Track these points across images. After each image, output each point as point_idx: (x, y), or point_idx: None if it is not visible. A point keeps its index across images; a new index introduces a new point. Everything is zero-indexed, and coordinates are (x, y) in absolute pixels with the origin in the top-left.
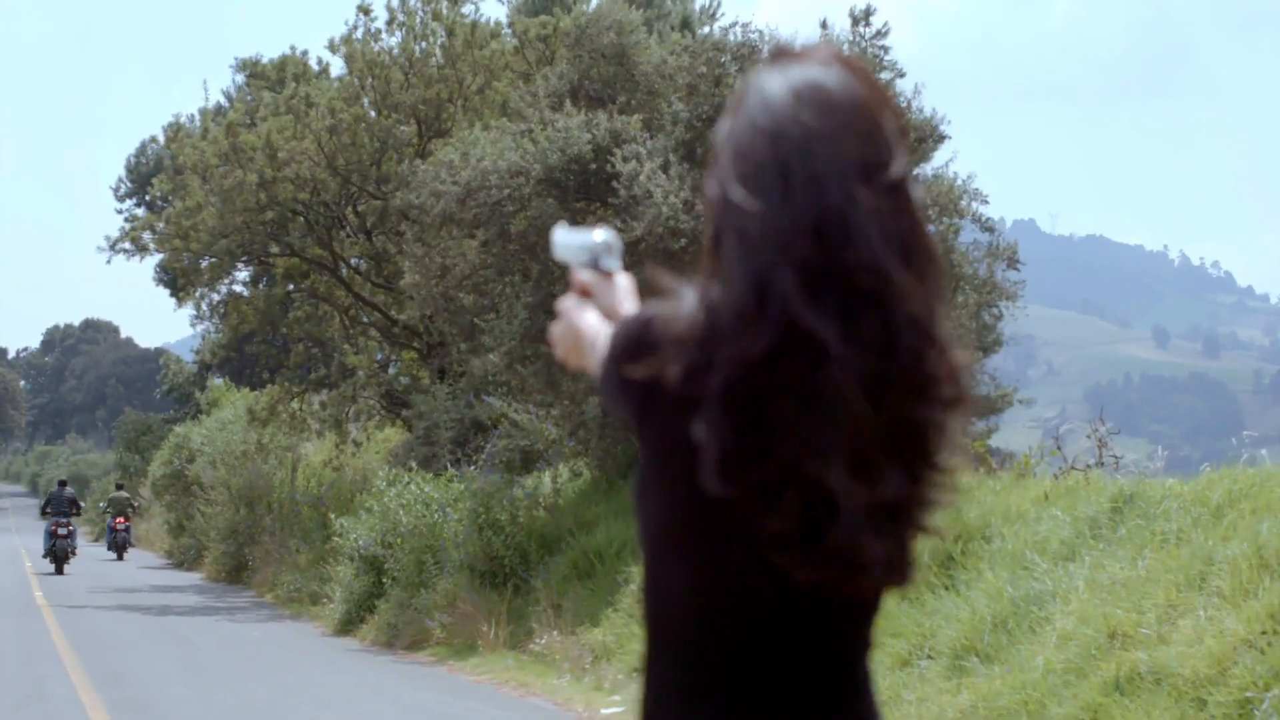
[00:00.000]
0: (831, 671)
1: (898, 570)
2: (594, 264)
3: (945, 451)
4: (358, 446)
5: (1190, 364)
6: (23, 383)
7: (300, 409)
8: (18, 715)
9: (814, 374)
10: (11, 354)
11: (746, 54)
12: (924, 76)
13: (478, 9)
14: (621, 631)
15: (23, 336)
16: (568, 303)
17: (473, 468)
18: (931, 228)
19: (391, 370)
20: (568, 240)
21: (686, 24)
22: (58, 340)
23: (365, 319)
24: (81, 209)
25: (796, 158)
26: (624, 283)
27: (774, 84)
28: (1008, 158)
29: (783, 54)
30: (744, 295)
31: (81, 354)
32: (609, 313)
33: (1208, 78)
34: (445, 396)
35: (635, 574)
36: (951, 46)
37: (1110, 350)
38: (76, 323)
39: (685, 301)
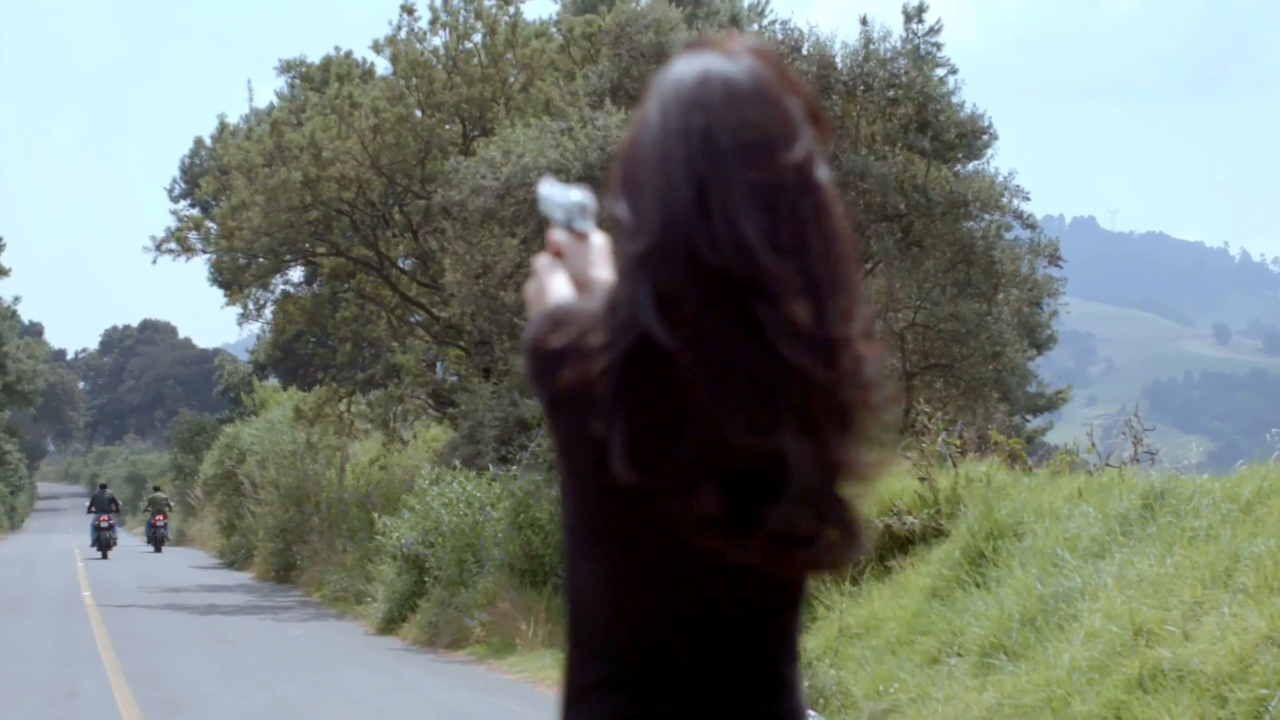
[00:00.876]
0: (754, 669)
1: (832, 548)
2: (569, 224)
3: (852, 442)
4: (405, 445)
5: (1251, 360)
6: (81, 384)
7: (348, 409)
8: (47, 712)
9: (718, 359)
10: (70, 355)
11: (786, 51)
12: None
13: (517, 10)
14: None
15: (82, 338)
16: (541, 262)
17: (513, 467)
18: (973, 223)
19: (439, 369)
20: (549, 195)
21: (735, 21)
22: (116, 341)
23: (412, 318)
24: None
25: (678, 142)
26: (598, 245)
27: (672, 73)
28: (1067, 154)
29: (691, 46)
30: (618, 292)
31: (139, 355)
32: (579, 275)
33: (1267, 72)
34: (489, 395)
35: None
36: (1010, 42)
37: (1170, 347)
38: (135, 324)
39: (596, 297)
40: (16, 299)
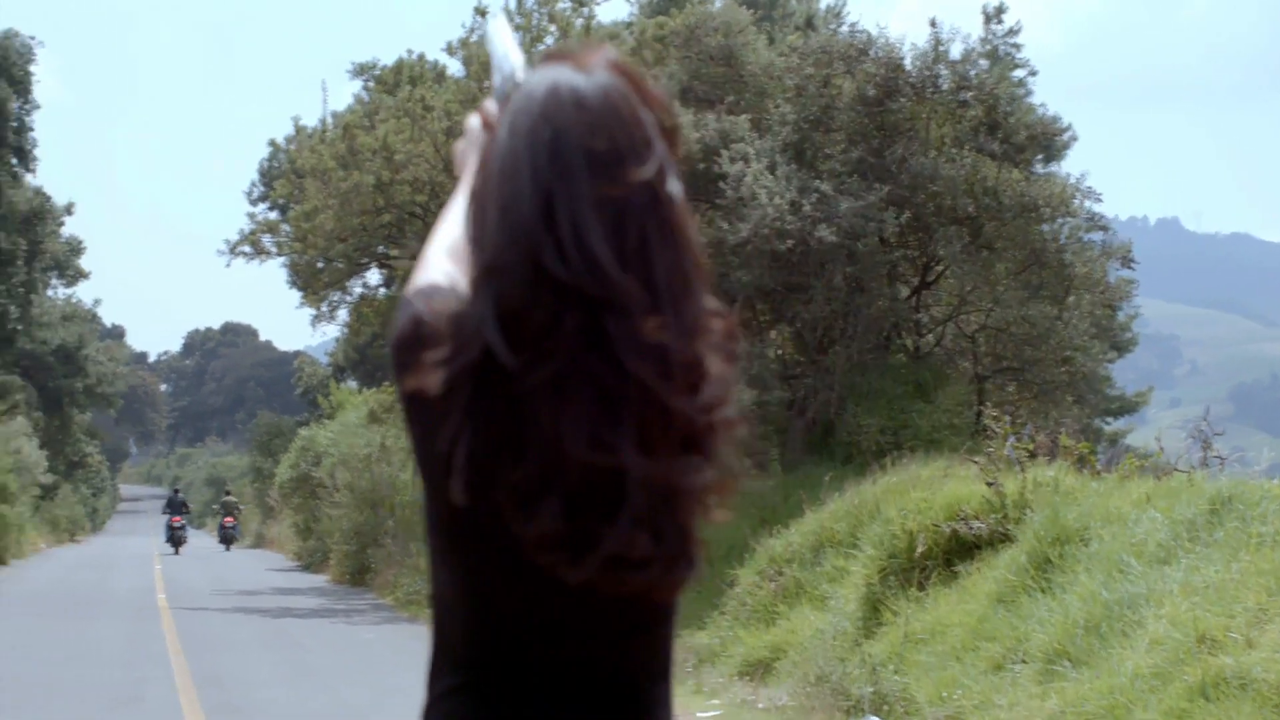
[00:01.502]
0: (612, 686)
1: (673, 566)
2: (503, 96)
3: (696, 463)
4: None
5: None
6: (163, 386)
7: None
8: (109, 717)
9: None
10: (153, 358)
11: (855, 55)
12: (1063, 74)
13: (591, 12)
14: (726, 635)
15: (164, 340)
16: (472, 122)
17: None
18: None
19: None
20: (494, 38)
21: (810, 23)
22: (198, 343)
23: None
24: (221, 212)
25: (525, 154)
26: None
27: (524, 85)
28: (1151, 155)
29: (548, 56)
30: (467, 304)
31: (221, 357)
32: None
33: None
34: None
35: (742, 577)
36: (1091, 42)
37: (1255, 349)
38: (216, 326)
39: (453, 300)
40: (97, 301)
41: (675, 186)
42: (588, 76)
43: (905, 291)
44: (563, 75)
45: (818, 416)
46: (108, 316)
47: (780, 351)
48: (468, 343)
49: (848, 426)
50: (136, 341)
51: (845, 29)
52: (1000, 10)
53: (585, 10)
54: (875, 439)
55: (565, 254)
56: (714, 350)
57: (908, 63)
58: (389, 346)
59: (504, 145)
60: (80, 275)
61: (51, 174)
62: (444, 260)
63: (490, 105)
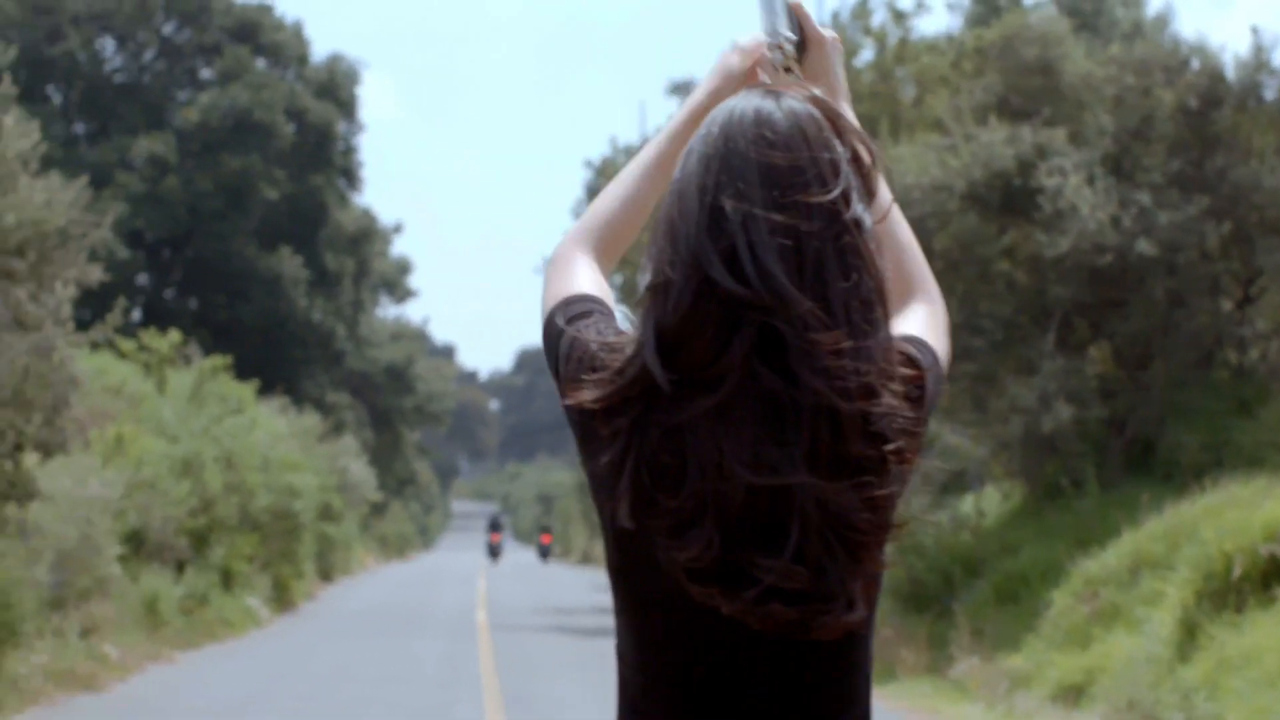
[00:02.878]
0: None
1: (829, 604)
2: (772, 39)
3: (864, 490)
4: None
5: None
6: (494, 403)
7: None
8: None
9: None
10: (484, 375)
11: (1175, 65)
12: None
13: (906, 27)
14: (1042, 659)
15: (495, 358)
16: (731, 59)
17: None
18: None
19: None
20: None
21: (1139, 30)
22: (529, 361)
23: None
24: (544, 230)
25: (697, 169)
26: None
27: (715, 111)
28: None
29: (751, 89)
30: (635, 323)
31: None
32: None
33: None
34: None
35: (1057, 599)
36: None
37: None
38: None
39: (603, 319)
40: (426, 320)
41: (863, 215)
42: (778, 101)
43: (1228, 305)
44: (751, 99)
45: (1137, 434)
46: (437, 335)
47: (1099, 368)
48: (626, 366)
49: (1168, 444)
50: (467, 359)
51: (1166, 38)
52: None
53: (905, 23)
54: (1195, 457)
55: (737, 267)
56: (893, 385)
57: (1229, 72)
58: (549, 358)
59: (687, 168)
60: (408, 294)
61: (380, 193)
62: (583, 260)
63: (762, 58)
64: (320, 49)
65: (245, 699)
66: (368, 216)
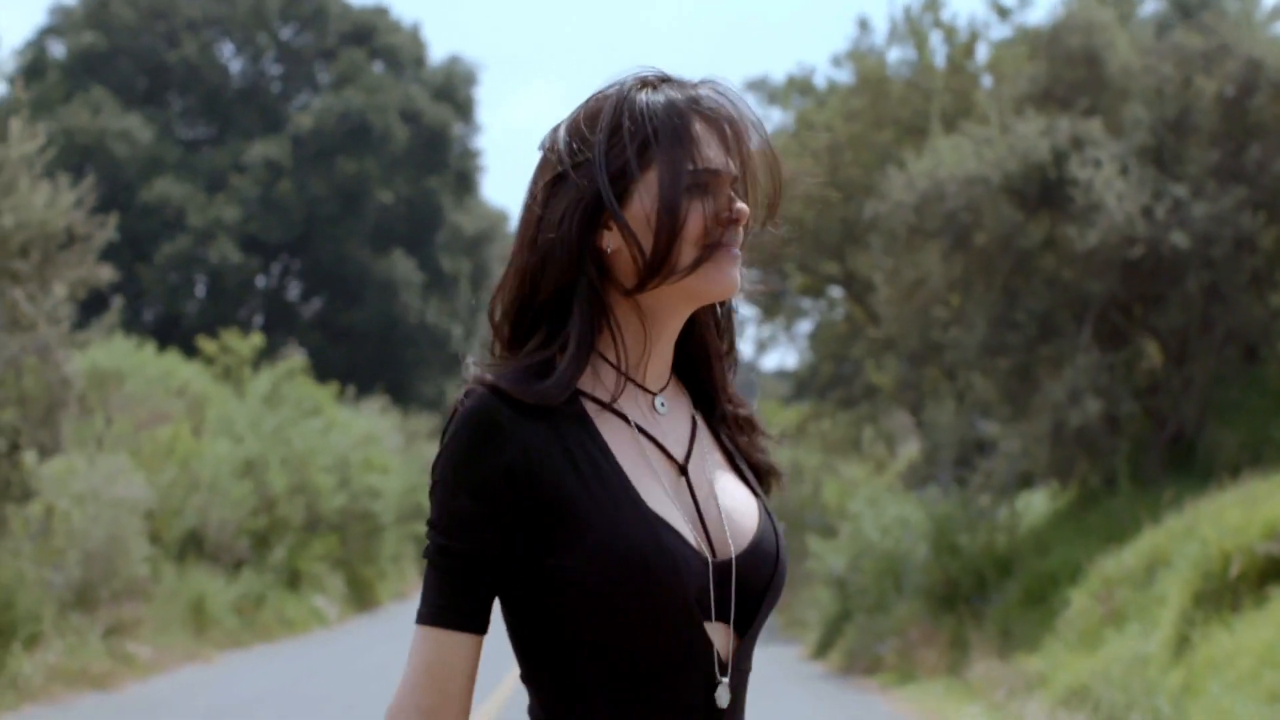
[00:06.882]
0: None
1: None
2: None
3: None
4: (880, 468)
5: None
6: None
7: (830, 427)
8: None
9: None
10: None
11: (1215, 56)
12: None
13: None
14: (1057, 661)
15: None
16: None
17: (935, 486)
18: None
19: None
20: None
21: (1186, 12)
22: None
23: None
24: None
25: None
26: None
27: None
28: None
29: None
30: None
31: None
32: None
33: None
34: (950, 414)
35: (1077, 599)
36: None
37: None
38: None
39: None
40: None
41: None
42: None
43: (1276, 300)
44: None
45: (1179, 431)
46: None
47: (1136, 364)
48: None
49: (1207, 442)
50: None
51: (1198, 25)
52: None
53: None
54: (1234, 455)
55: None
56: None
57: (1267, 59)
58: None
59: None
60: None
61: (511, 195)
62: None
63: None
64: (440, 51)
65: (258, 698)
66: (490, 217)
